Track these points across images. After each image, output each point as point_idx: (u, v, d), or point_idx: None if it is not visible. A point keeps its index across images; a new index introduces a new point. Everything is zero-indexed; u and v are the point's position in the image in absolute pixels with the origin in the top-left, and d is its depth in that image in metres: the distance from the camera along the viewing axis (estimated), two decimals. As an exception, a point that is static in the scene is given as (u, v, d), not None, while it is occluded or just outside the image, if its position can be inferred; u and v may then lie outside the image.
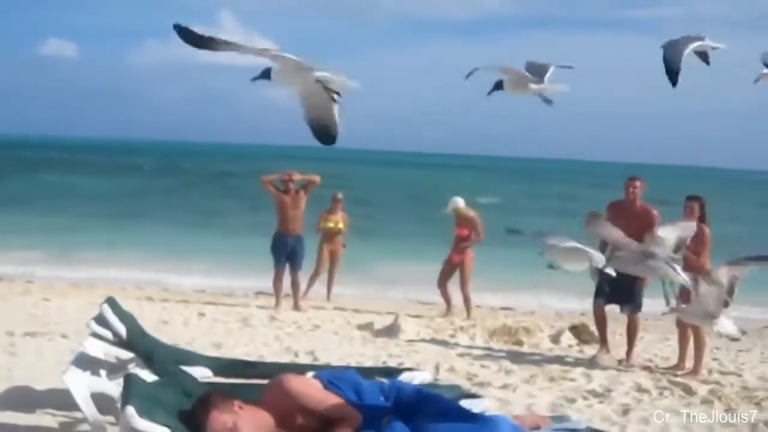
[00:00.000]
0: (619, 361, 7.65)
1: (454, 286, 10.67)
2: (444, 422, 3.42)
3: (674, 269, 6.17)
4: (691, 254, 6.95)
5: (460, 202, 10.55)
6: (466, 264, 10.51)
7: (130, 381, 3.52)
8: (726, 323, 6.38)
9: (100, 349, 4.17)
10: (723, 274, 6.13)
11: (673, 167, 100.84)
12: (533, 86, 4.47)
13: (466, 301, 10.55)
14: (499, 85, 4.48)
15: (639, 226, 6.84)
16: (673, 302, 6.82)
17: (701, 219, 7.24)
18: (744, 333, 7.01)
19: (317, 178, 10.52)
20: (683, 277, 6.21)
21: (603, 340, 7.90)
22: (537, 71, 4.47)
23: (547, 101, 4.58)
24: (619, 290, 7.47)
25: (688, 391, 6.53)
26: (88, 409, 3.69)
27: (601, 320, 7.89)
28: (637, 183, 7.75)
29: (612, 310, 8.00)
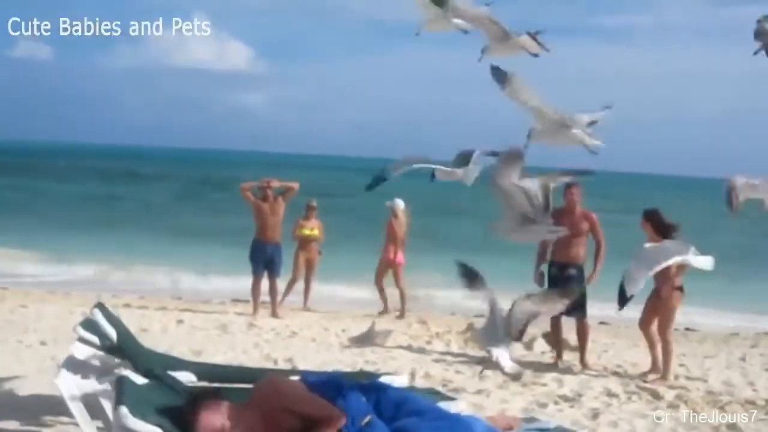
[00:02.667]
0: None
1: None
2: (422, 422, 3.59)
3: None
4: None
5: (400, 204, 11.22)
6: (399, 263, 11.18)
7: (122, 382, 3.63)
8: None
9: (87, 354, 4.27)
10: None
11: (639, 175, 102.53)
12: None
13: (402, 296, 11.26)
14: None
15: (577, 228, 7.73)
16: None
17: (657, 232, 7.34)
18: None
19: (295, 185, 10.65)
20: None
21: (558, 350, 8.21)
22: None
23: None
24: None
25: (656, 395, 6.75)
26: (79, 412, 3.79)
27: (555, 330, 8.22)
28: (574, 190, 8.02)
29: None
